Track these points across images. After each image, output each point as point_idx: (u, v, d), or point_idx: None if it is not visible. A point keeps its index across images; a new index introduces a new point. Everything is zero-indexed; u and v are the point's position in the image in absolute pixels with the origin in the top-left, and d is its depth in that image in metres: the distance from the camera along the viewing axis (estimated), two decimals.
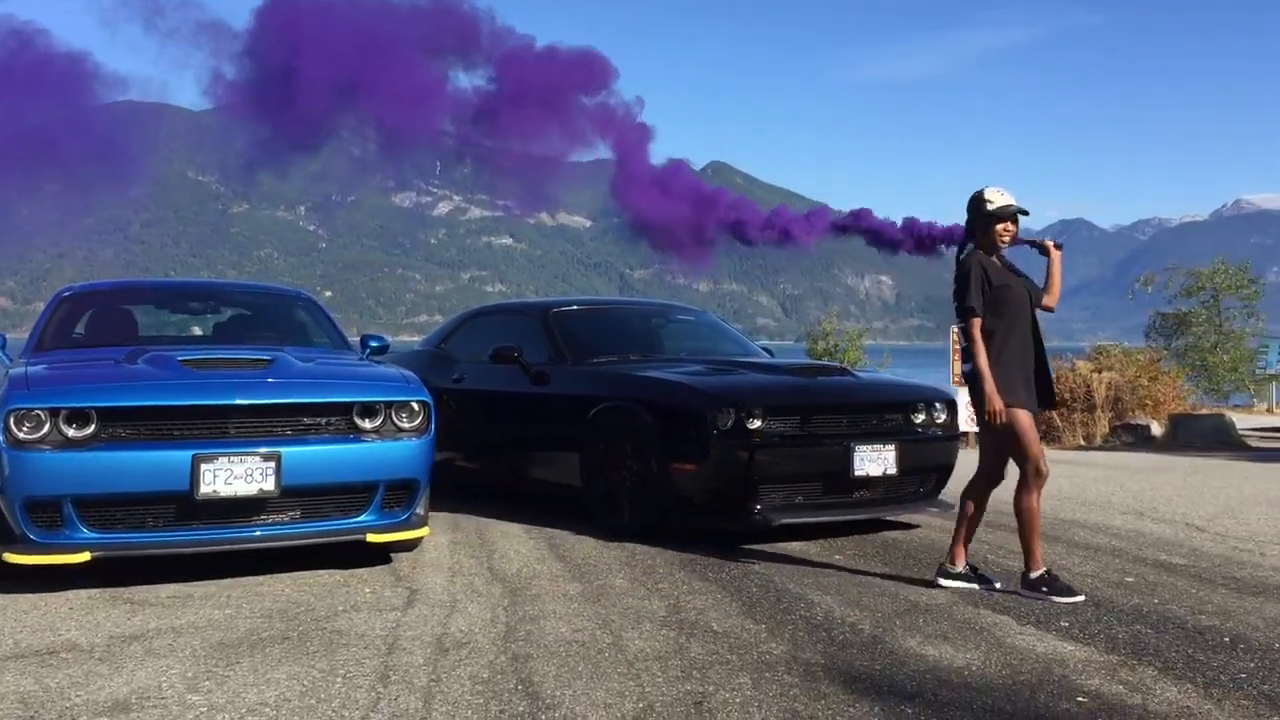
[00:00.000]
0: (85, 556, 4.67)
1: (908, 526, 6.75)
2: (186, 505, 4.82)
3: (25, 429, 4.66)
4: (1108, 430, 15.16)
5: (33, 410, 4.68)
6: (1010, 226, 4.91)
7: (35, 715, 3.20)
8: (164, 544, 4.85)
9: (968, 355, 4.91)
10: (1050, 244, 5.05)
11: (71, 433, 4.71)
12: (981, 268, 4.90)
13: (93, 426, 4.74)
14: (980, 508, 5.10)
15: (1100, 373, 16.04)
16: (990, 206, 4.89)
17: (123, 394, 4.88)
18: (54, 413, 4.70)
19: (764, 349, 8.45)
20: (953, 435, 6.81)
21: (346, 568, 5.34)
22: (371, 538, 5.19)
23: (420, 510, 5.45)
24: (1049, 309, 5.07)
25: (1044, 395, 4.99)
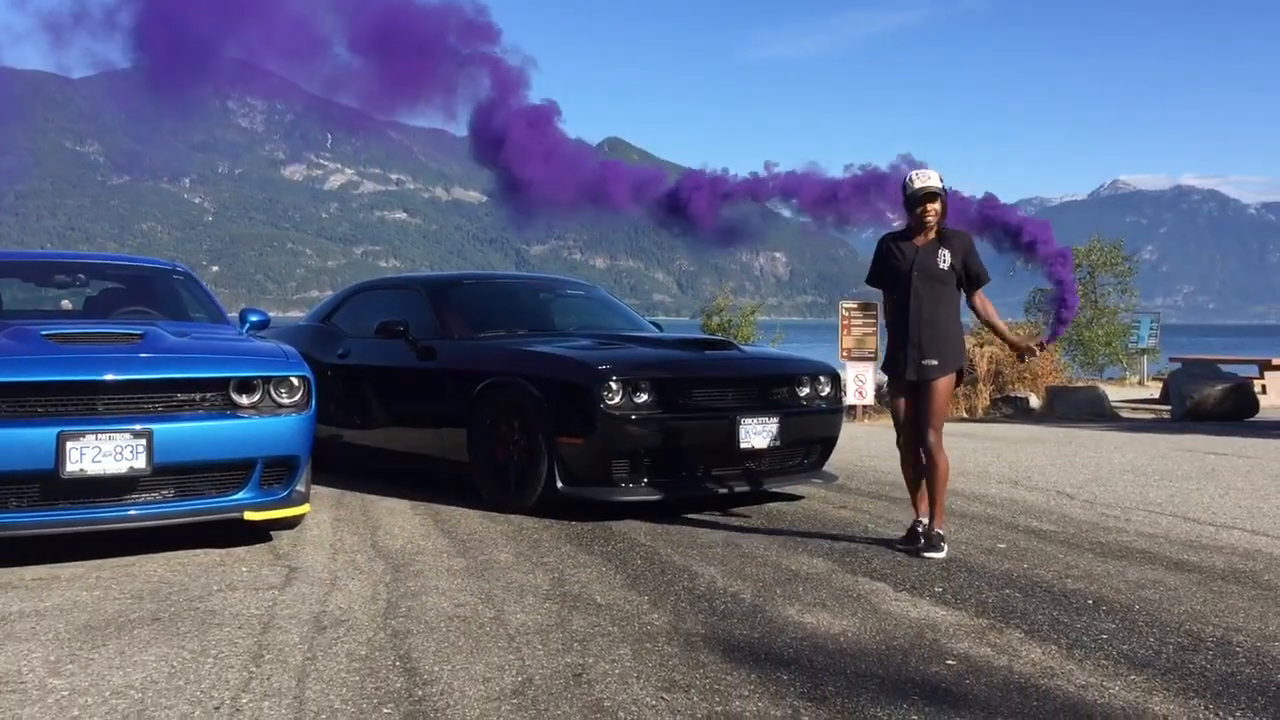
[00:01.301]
0: None
1: (792, 497, 6.85)
2: (52, 484, 4.64)
3: None
4: (989, 403, 15.60)
5: None
6: (928, 207, 5.17)
7: None
8: (28, 524, 4.66)
9: None
10: (1031, 347, 5.78)
11: None
12: (882, 245, 5.37)
13: None
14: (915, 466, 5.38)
15: (982, 347, 16.48)
16: (907, 190, 5.24)
17: None
18: None
19: (654, 324, 8.47)
20: (836, 409, 6.93)
21: (224, 546, 5.22)
22: (249, 516, 5.07)
23: (301, 487, 5.35)
24: (968, 299, 5.41)
25: (915, 366, 5.22)
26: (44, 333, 5.10)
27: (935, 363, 5.15)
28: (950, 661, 3.52)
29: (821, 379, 6.80)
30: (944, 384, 5.18)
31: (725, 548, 5.34)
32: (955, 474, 8.05)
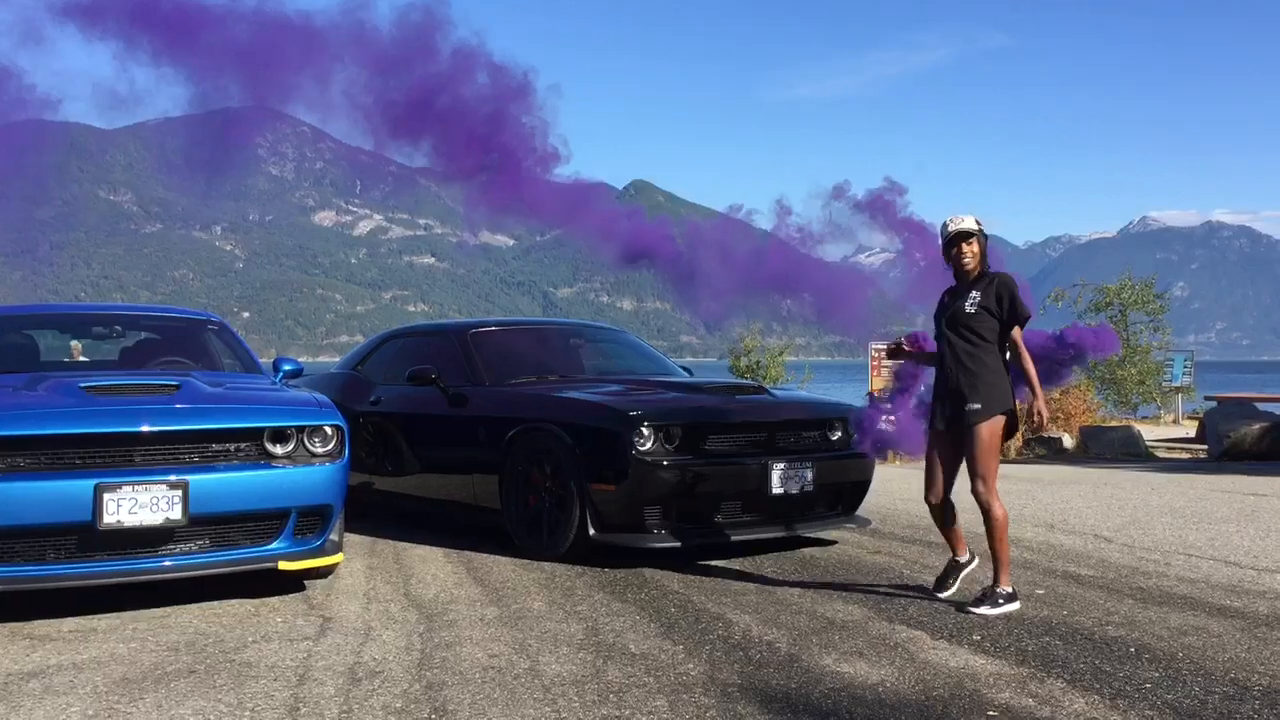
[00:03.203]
0: None
1: (825, 543, 6.80)
2: (89, 536, 4.67)
3: None
4: (1021, 443, 15.47)
5: None
6: (963, 248, 5.10)
7: None
8: (66, 577, 4.69)
9: None
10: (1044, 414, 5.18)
11: None
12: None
13: None
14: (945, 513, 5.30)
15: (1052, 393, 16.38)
16: (944, 236, 5.19)
17: (22, 422, 4.72)
18: None
19: (683, 368, 8.48)
20: (868, 452, 6.89)
21: (258, 596, 5.23)
22: (283, 566, 5.09)
23: (334, 536, 5.36)
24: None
25: (950, 417, 5.09)
26: (83, 385, 5.16)
27: (977, 406, 4.92)
28: (992, 713, 3.47)
29: (853, 423, 6.76)
30: (985, 429, 4.91)
31: (759, 595, 5.30)
32: None
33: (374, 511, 7.59)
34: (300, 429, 5.20)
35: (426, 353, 7.72)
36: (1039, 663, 4.05)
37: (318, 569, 5.35)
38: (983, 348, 5.00)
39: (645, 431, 5.93)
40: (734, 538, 6.20)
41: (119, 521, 4.64)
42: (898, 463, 13.36)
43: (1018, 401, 5.12)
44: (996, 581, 4.95)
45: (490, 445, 6.66)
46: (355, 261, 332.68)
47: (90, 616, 4.82)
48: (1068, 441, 15.10)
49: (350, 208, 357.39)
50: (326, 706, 3.53)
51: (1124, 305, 24.04)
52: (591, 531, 6.02)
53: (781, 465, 6.15)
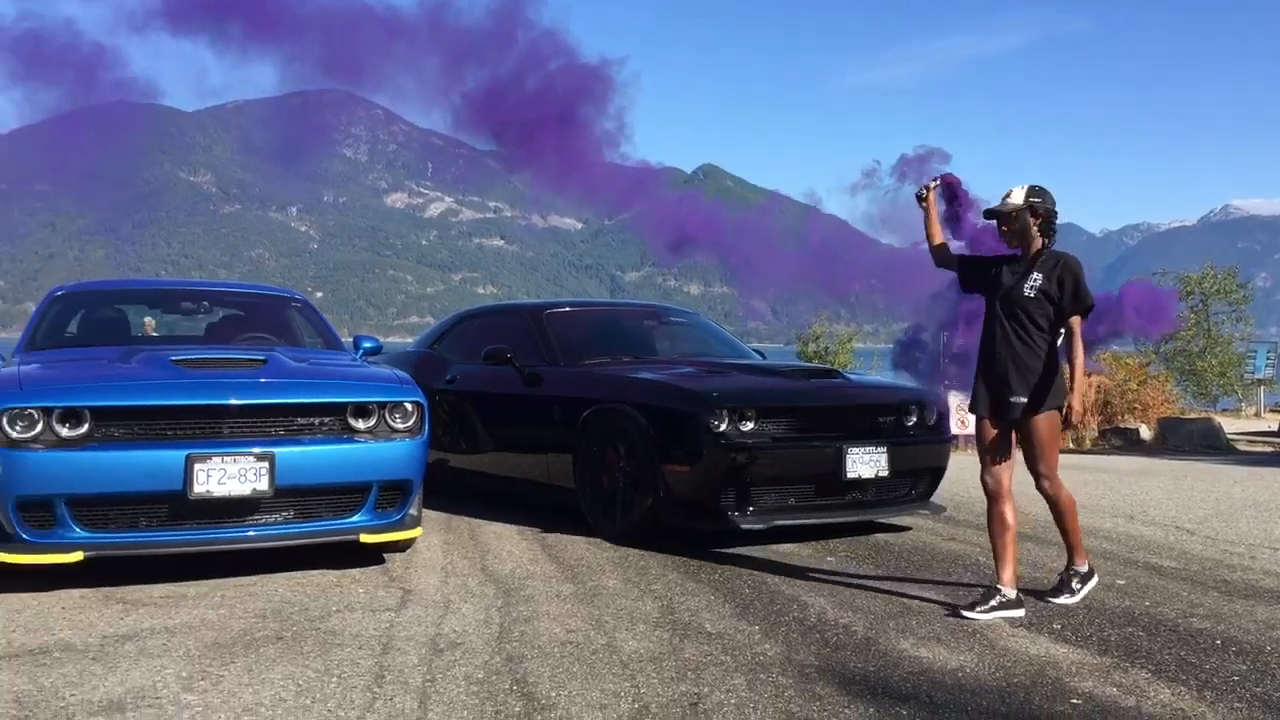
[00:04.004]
0: (78, 556, 4.66)
1: (900, 529, 6.76)
2: (180, 505, 4.81)
3: (18, 428, 4.64)
4: (1096, 434, 15.21)
5: (26, 409, 4.67)
6: (1000, 229, 4.79)
7: (30, 715, 3.20)
8: (157, 544, 4.84)
9: None
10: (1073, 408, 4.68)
11: (65, 432, 4.70)
12: (999, 257, 4.93)
13: (86, 426, 4.72)
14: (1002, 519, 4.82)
15: (1089, 376, 16.10)
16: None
17: (116, 393, 4.87)
18: (47, 412, 4.69)
19: (756, 351, 8.47)
20: (945, 438, 6.84)
21: (339, 568, 5.34)
22: (365, 538, 5.19)
23: (414, 511, 5.45)
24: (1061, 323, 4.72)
25: (992, 405, 4.75)
26: (173, 358, 5.30)
27: (1023, 400, 4.61)
28: (1075, 700, 3.44)
29: (929, 408, 6.71)
30: (1044, 422, 4.62)
31: (833, 579, 5.29)
32: None
33: (448, 489, 7.68)
34: (382, 405, 5.29)
35: (502, 332, 7.80)
36: (1122, 652, 4.00)
37: (397, 543, 5.45)
38: (1037, 336, 4.64)
39: (720, 413, 5.93)
40: (808, 521, 6.18)
41: (208, 491, 4.77)
42: (969, 451, 13.22)
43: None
44: (1071, 563, 4.86)
45: (565, 425, 6.71)
46: (426, 243, 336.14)
47: (180, 583, 4.96)
48: (1145, 433, 14.83)
49: (421, 190, 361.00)
50: (410, 675, 3.60)
51: (1205, 295, 23.50)
52: (665, 512, 6.04)
53: (856, 449, 6.11)
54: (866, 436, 6.28)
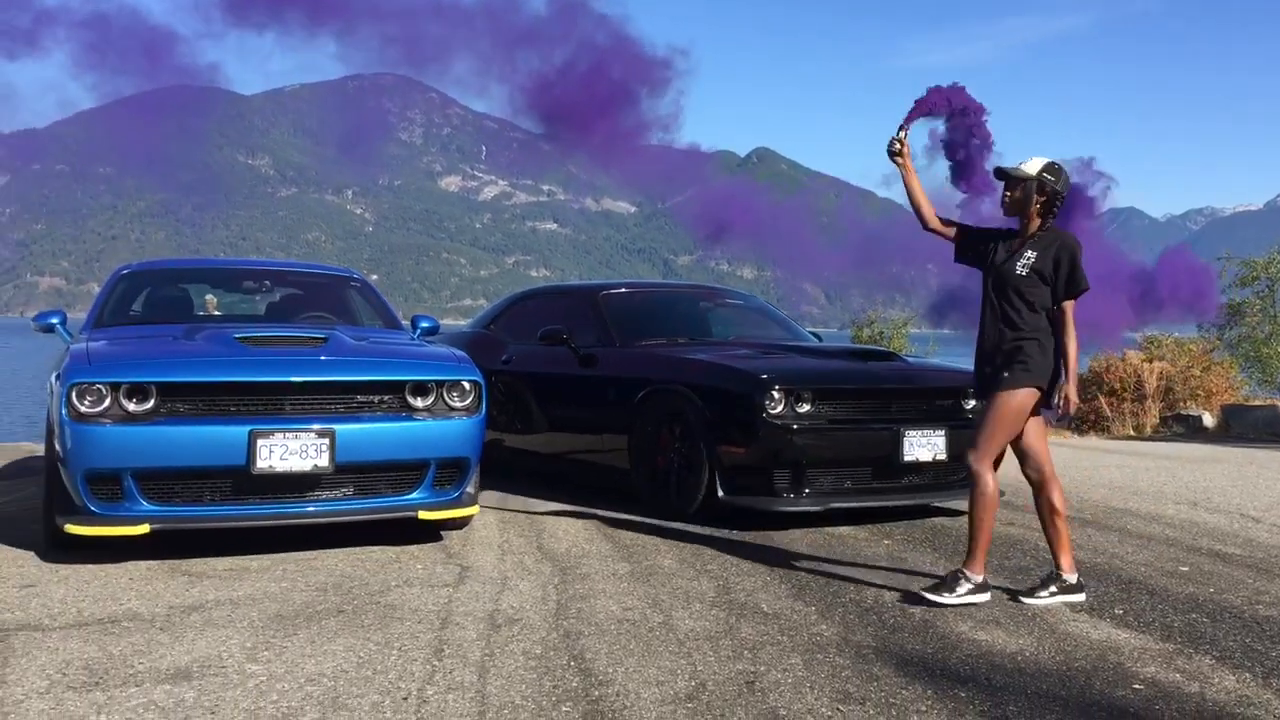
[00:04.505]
0: (145, 529, 4.76)
1: (957, 513, 6.70)
2: (243, 480, 4.89)
3: (87, 403, 4.74)
4: (1158, 421, 14.96)
5: (94, 384, 4.77)
6: (1006, 191, 4.51)
7: (100, 682, 3.27)
8: (221, 518, 4.92)
9: None
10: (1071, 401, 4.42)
11: (132, 407, 4.79)
12: (996, 230, 4.68)
13: (152, 401, 4.81)
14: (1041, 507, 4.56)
15: (1151, 362, 15.84)
16: None
17: (182, 369, 4.96)
18: (115, 387, 4.78)
19: (812, 334, 8.42)
20: None
21: (398, 544, 5.40)
22: (423, 515, 5.24)
23: (470, 489, 5.50)
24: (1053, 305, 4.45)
25: (982, 386, 4.54)
26: (237, 335, 5.38)
27: (1007, 375, 4.35)
28: (1137, 686, 3.39)
29: None
30: (1007, 398, 4.32)
31: (890, 561, 5.26)
32: (1128, 493, 7.76)
33: (504, 468, 7.74)
34: (440, 383, 5.33)
35: (558, 313, 7.82)
36: (1185, 639, 3.94)
37: (454, 520, 5.50)
38: (1027, 316, 4.40)
39: (776, 395, 5.91)
40: (863, 504, 6.15)
41: (271, 467, 4.84)
42: None
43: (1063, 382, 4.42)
44: (967, 564, 4.40)
45: (620, 406, 6.73)
46: (480, 226, 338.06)
47: (243, 556, 5.05)
48: (1208, 420, 14.55)
49: (475, 173, 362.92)
50: (469, 650, 3.64)
51: (1272, 280, 22.96)
52: (720, 493, 6.04)
53: (914, 432, 6.06)
54: (924, 419, 6.23)
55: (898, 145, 4.75)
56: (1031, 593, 4.48)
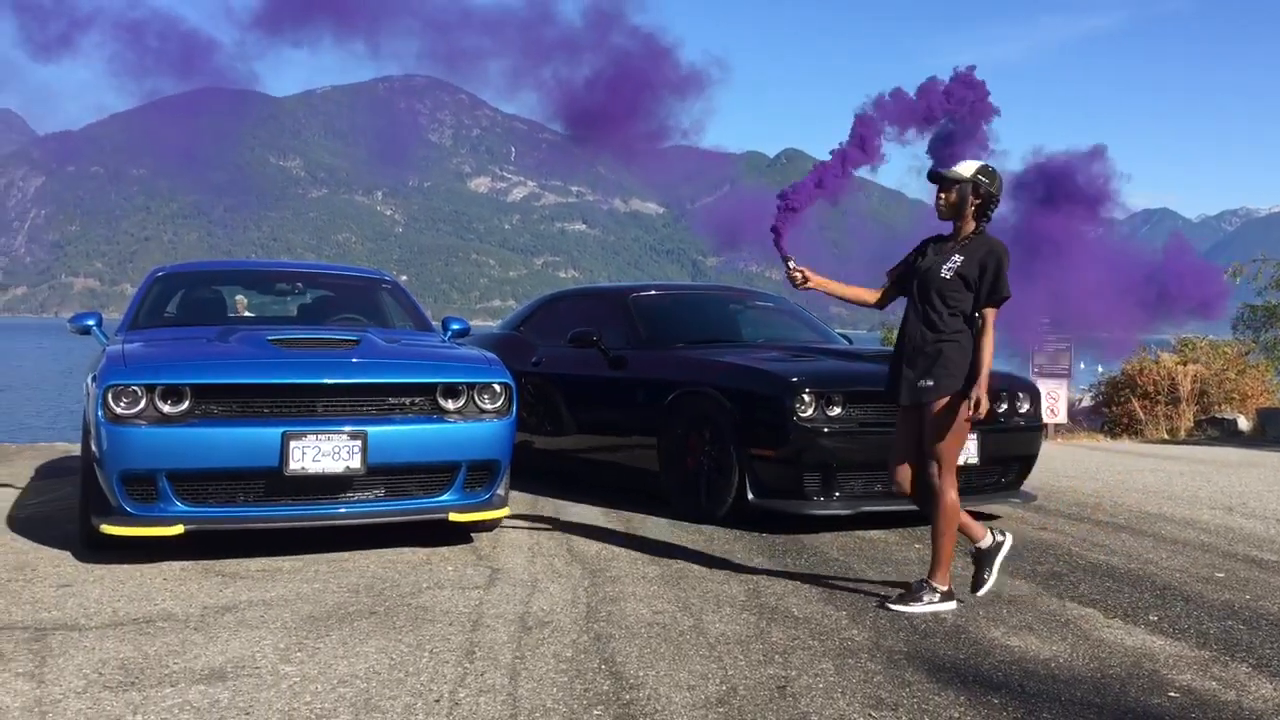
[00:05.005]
0: (179, 529, 4.80)
1: (988, 517, 6.65)
2: (275, 481, 4.92)
3: (123, 404, 4.79)
4: (1192, 424, 14.82)
5: (130, 386, 4.81)
6: (939, 194, 4.47)
7: (136, 681, 3.31)
8: (253, 519, 4.96)
9: None
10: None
11: (166, 409, 4.83)
12: (922, 243, 4.62)
13: (187, 403, 4.85)
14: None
15: (1185, 365, 15.69)
16: None
17: (216, 371, 5.00)
18: (150, 389, 4.83)
19: (842, 336, 8.39)
20: (1036, 426, 6.71)
21: (428, 546, 5.42)
22: (454, 517, 5.26)
23: (501, 491, 5.51)
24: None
25: (903, 390, 4.47)
26: (270, 338, 5.42)
27: (930, 384, 4.32)
28: (1173, 693, 3.36)
29: (1021, 395, 6.59)
30: (940, 408, 4.31)
31: (921, 566, 5.23)
32: (1162, 498, 7.69)
33: (533, 470, 7.75)
34: (471, 386, 5.35)
35: (588, 315, 7.83)
36: (1221, 646, 3.90)
37: (485, 522, 5.52)
38: (950, 320, 4.36)
39: (806, 398, 5.90)
40: (896, 507, 6.11)
41: (303, 468, 4.87)
42: (1058, 440, 12.98)
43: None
44: (931, 575, 4.40)
45: (649, 408, 6.73)
46: (508, 227, 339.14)
47: (275, 558, 5.08)
48: (1243, 424, 14.39)
49: (504, 174, 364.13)
50: (500, 652, 3.65)
51: None
52: (750, 496, 6.03)
53: None
54: None
55: (800, 276, 4.72)
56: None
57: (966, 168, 4.43)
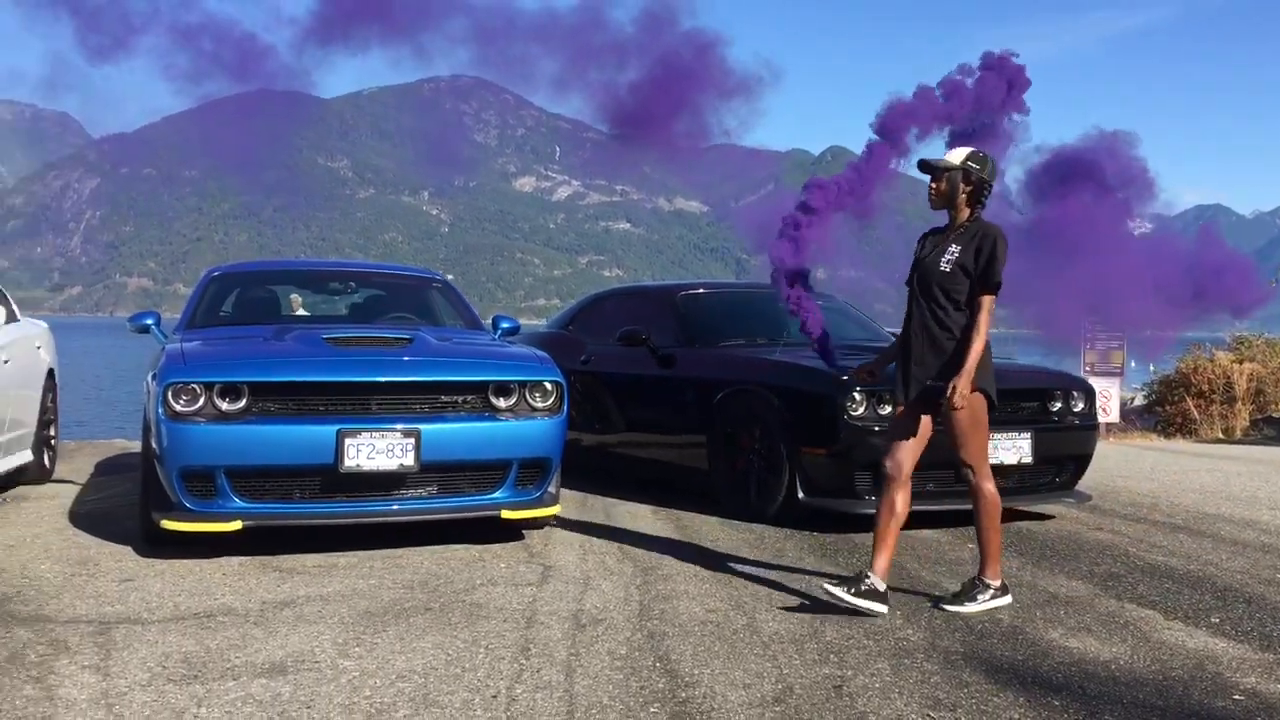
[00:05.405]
0: (237, 525, 4.87)
1: (1042, 517, 6.59)
2: (331, 478, 4.98)
3: (182, 402, 4.86)
4: (1248, 424, 14.55)
5: (189, 384, 4.89)
6: (931, 183, 4.39)
7: (199, 675, 3.36)
8: (309, 515, 5.03)
9: None
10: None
11: (225, 406, 4.90)
12: (921, 239, 4.54)
13: (245, 400, 4.92)
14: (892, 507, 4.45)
15: (1241, 364, 15.40)
16: None
17: (273, 369, 5.06)
18: (209, 387, 4.90)
19: (891, 333, 8.33)
20: (1090, 425, 6.62)
21: (481, 543, 5.46)
22: (506, 514, 5.29)
23: (552, 488, 5.54)
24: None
25: (909, 388, 4.39)
26: (324, 336, 5.49)
27: (940, 384, 4.25)
28: (1237, 696, 3.31)
29: (1075, 394, 6.51)
30: (961, 409, 4.22)
31: (974, 566, 5.16)
32: (1221, 498, 7.56)
33: (582, 468, 7.77)
34: (523, 384, 5.38)
35: (636, 314, 7.84)
36: None
37: (536, 519, 5.55)
38: (954, 314, 4.28)
39: (857, 396, 5.86)
40: (947, 507, 6.06)
41: (358, 465, 4.93)
42: (1111, 440, 12.81)
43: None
44: (983, 572, 4.39)
45: (698, 406, 6.72)
46: (553, 226, 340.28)
47: (331, 554, 5.14)
48: None
49: (549, 174, 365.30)
50: (555, 649, 3.66)
51: None
52: (800, 495, 6.01)
53: (998, 435, 5.95)
54: (1009, 421, 6.13)
55: (866, 377, 4.87)
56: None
57: (956, 155, 4.37)
